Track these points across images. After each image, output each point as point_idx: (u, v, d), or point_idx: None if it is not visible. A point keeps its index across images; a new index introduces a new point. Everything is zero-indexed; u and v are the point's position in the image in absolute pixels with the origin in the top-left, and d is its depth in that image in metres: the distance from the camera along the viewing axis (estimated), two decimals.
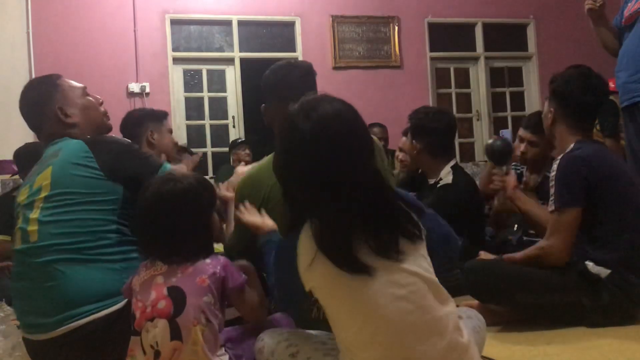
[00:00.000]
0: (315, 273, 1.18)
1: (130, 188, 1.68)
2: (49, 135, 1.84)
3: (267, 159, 1.86)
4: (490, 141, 2.91)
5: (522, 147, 2.83)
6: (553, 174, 2.04)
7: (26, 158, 3.19)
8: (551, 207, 2.03)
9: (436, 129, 2.76)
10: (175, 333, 1.36)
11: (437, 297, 1.19)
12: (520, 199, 2.52)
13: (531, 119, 2.88)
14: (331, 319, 1.22)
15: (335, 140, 1.17)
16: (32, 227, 1.64)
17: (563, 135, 2.15)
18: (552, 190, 2.03)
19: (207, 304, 1.39)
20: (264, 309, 1.58)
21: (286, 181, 1.24)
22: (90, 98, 1.93)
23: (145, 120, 2.55)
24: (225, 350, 1.43)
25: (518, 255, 2.09)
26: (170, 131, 2.65)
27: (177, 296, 1.39)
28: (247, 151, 5.34)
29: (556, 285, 1.98)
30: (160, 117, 2.62)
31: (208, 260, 1.45)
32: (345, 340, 1.20)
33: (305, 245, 1.18)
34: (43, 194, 1.66)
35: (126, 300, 1.56)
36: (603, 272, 1.95)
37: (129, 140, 1.82)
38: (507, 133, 5.07)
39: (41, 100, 1.86)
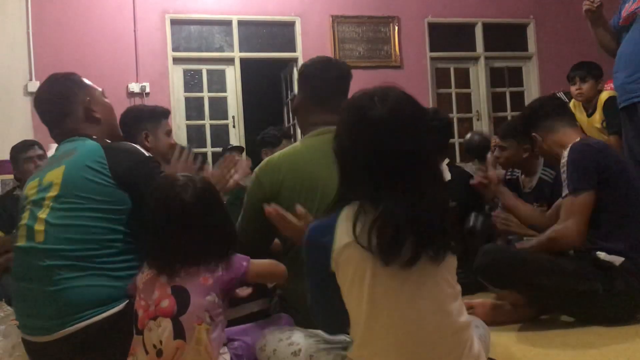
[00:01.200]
0: (346, 254, 1.16)
1: (139, 200, 1.64)
2: (70, 131, 1.82)
3: (287, 149, 1.89)
4: (467, 136, 3.06)
5: (496, 151, 3.04)
6: (564, 160, 2.06)
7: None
8: (565, 191, 2.05)
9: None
10: (179, 332, 1.35)
11: (459, 306, 1.21)
12: (504, 194, 2.54)
13: (501, 127, 3.28)
14: (349, 306, 1.21)
15: (409, 125, 1.18)
16: (40, 227, 1.62)
17: (562, 138, 2.19)
18: (564, 176, 2.05)
19: (210, 302, 1.39)
20: (280, 266, 1.58)
21: (346, 161, 1.22)
22: (108, 101, 1.94)
23: (141, 121, 2.48)
24: (227, 349, 1.44)
25: (530, 243, 2.12)
26: (169, 131, 2.57)
27: (181, 295, 1.38)
28: (238, 157, 5.30)
29: (572, 271, 1.99)
30: (158, 116, 2.54)
31: (212, 260, 1.45)
32: (358, 330, 1.19)
33: (347, 226, 1.16)
34: (53, 193, 1.64)
35: (126, 302, 1.56)
36: (617, 259, 1.96)
37: (146, 153, 1.77)
38: None
39: (68, 93, 1.87)
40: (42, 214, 1.63)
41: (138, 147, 1.79)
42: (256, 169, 1.87)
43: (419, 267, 1.14)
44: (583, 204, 2.01)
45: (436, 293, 1.17)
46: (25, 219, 1.68)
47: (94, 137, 1.80)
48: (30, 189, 1.73)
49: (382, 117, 1.17)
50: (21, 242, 1.66)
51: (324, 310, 1.30)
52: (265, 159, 1.91)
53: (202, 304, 1.38)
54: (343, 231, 1.16)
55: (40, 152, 3.59)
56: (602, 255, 1.97)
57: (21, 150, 3.59)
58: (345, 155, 1.22)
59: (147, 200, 1.52)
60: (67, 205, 1.62)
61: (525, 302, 2.09)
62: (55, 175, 1.68)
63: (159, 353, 1.36)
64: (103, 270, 1.58)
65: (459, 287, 1.23)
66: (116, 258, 1.61)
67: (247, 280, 1.49)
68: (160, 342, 1.36)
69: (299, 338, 1.38)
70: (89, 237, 1.59)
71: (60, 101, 1.87)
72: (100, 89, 1.94)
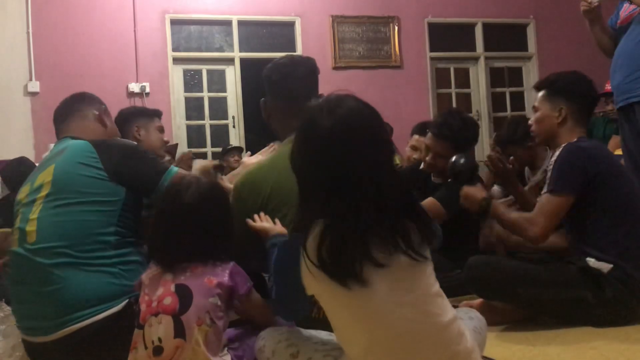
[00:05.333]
0: (316, 280, 1.14)
1: (134, 190, 1.68)
2: (71, 129, 1.86)
3: (270, 158, 1.83)
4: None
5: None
6: (553, 159, 2.08)
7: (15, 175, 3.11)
8: (544, 189, 2.07)
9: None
10: (179, 331, 1.36)
11: (441, 303, 1.18)
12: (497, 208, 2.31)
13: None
14: (333, 326, 1.21)
15: (356, 138, 1.15)
16: (31, 227, 1.62)
17: (569, 133, 2.16)
18: (548, 175, 2.07)
19: (212, 304, 1.39)
20: (270, 309, 1.57)
21: (301, 177, 1.21)
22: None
23: (132, 117, 2.51)
24: (227, 351, 1.44)
25: (506, 212, 2.13)
26: (161, 129, 2.58)
27: (184, 294, 1.39)
28: (237, 157, 5.31)
29: (558, 280, 1.99)
30: (150, 114, 2.58)
31: (217, 262, 1.45)
32: (346, 348, 1.19)
33: (312, 248, 1.13)
34: (44, 192, 1.65)
35: (125, 302, 1.56)
36: (605, 267, 1.95)
37: (135, 143, 1.81)
38: None
39: (87, 96, 1.97)
40: (33, 214, 1.64)
41: (127, 140, 1.83)
42: (236, 182, 1.79)
43: (390, 274, 1.12)
44: (556, 206, 2.01)
45: (413, 297, 1.15)
46: (17, 222, 1.69)
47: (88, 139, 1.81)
48: (22, 194, 1.74)
49: (328, 127, 1.14)
50: (14, 246, 1.67)
51: (289, 302, 1.30)
52: (246, 173, 1.83)
53: (204, 304, 1.38)
54: (308, 256, 1.13)
55: None
56: (591, 262, 1.97)
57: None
58: (295, 170, 1.22)
59: (148, 184, 1.57)
60: (58, 202, 1.62)
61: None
62: (45, 175, 1.68)
63: (158, 350, 1.36)
64: (97, 266, 1.58)
65: (437, 285, 1.20)
66: (110, 252, 1.61)
67: (240, 304, 1.49)
68: (160, 339, 1.36)
69: (297, 340, 1.38)
70: (80, 232, 1.60)
71: (77, 98, 1.94)
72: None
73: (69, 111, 1.91)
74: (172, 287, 1.40)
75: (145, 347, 1.38)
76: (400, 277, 1.14)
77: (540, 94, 2.27)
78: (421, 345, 1.14)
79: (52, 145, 3.97)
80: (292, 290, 1.23)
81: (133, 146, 1.81)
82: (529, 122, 2.34)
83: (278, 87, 1.81)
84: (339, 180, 1.13)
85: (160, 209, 1.53)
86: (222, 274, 1.43)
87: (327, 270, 1.11)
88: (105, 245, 1.61)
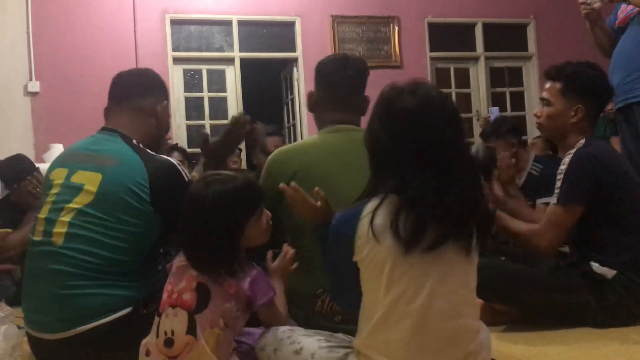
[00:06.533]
0: (368, 245, 1.17)
1: (173, 224, 1.52)
2: (122, 114, 1.77)
3: (304, 141, 1.89)
4: (472, 150, 2.57)
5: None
6: (564, 167, 2.01)
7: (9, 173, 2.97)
8: (554, 199, 2.03)
9: None
10: (192, 328, 1.36)
11: (472, 307, 1.23)
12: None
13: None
14: (366, 292, 1.22)
15: (440, 117, 1.20)
16: (60, 229, 1.57)
17: (580, 133, 2.09)
18: (558, 184, 2.02)
19: (228, 310, 1.39)
20: (287, 319, 1.56)
21: (380, 152, 1.24)
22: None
23: None
24: (235, 354, 1.44)
25: (512, 224, 2.10)
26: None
27: (203, 293, 1.38)
28: (235, 158, 5.29)
29: (561, 284, 1.98)
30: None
31: (243, 267, 1.43)
32: (372, 317, 1.20)
33: (370, 217, 1.17)
34: (83, 200, 1.58)
35: (134, 305, 1.56)
36: (609, 272, 1.94)
37: (188, 175, 1.71)
38: (495, 111, 5.05)
39: (158, 83, 1.86)
40: (66, 216, 1.58)
41: (179, 167, 1.70)
42: (268, 158, 1.86)
43: (442, 261, 1.17)
44: (566, 217, 1.99)
45: (454, 293, 1.18)
46: (45, 212, 1.63)
47: (134, 140, 1.72)
48: (56, 176, 1.67)
49: (410, 108, 1.20)
50: (37, 237, 1.62)
51: (345, 289, 1.32)
52: (278, 149, 1.90)
53: (219, 308, 1.38)
54: (366, 222, 1.18)
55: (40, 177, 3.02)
56: (595, 266, 1.96)
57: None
58: (375, 147, 1.25)
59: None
60: (95, 219, 1.56)
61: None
62: (89, 179, 1.61)
63: (169, 342, 1.36)
64: (112, 280, 1.56)
65: (474, 284, 1.24)
66: (133, 276, 1.59)
67: (259, 314, 1.47)
68: (172, 331, 1.37)
69: (300, 337, 1.38)
70: (110, 255, 1.56)
71: (144, 83, 1.85)
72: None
73: (129, 95, 1.80)
74: (194, 284, 1.40)
75: (157, 336, 1.39)
76: (447, 268, 1.18)
77: (554, 85, 2.10)
78: (445, 340, 1.17)
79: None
80: (344, 280, 1.27)
81: (185, 183, 1.67)
82: (536, 113, 2.19)
83: (327, 80, 1.89)
84: (423, 156, 1.17)
85: (185, 210, 1.46)
86: (243, 282, 1.41)
87: (398, 237, 1.14)
88: (130, 270, 1.58)
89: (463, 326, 1.20)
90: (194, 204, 1.43)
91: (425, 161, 1.17)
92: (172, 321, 1.38)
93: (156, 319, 1.42)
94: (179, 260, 1.47)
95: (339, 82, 1.87)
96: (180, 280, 1.42)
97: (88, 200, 1.58)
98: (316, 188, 1.47)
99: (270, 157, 1.86)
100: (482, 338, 1.28)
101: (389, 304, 1.17)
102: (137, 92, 1.81)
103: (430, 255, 1.16)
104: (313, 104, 1.94)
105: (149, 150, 1.71)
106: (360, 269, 1.22)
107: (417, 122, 1.19)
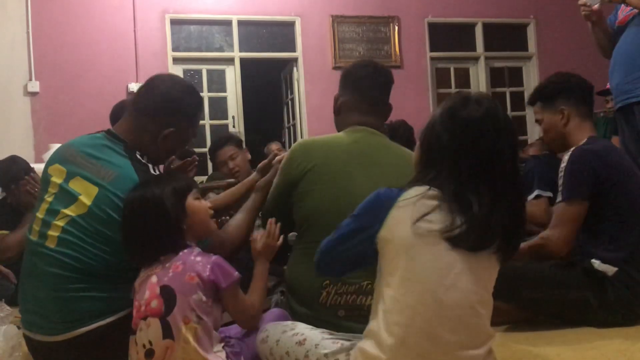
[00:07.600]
0: (401, 226, 1.19)
1: None
2: (138, 125, 1.72)
3: (327, 137, 1.89)
4: None
5: None
6: (564, 165, 2.05)
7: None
8: (559, 197, 2.04)
9: None
10: (167, 332, 1.37)
11: (489, 311, 1.28)
12: None
13: None
14: (384, 275, 1.23)
15: (503, 129, 1.24)
16: (53, 233, 1.58)
17: (578, 131, 2.13)
18: (560, 182, 2.04)
19: (197, 301, 1.39)
20: (259, 313, 1.55)
21: (434, 153, 1.28)
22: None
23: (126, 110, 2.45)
24: (222, 348, 1.44)
25: (521, 245, 2.11)
26: None
27: (167, 295, 1.39)
28: (232, 160, 5.23)
29: (562, 282, 1.98)
30: None
31: (199, 258, 1.44)
32: (387, 300, 1.20)
33: (410, 201, 1.21)
34: (77, 210, 1.58)
35: (129, 308, 1.55)
36: (609, 269, 1.94)
37: None
38: None
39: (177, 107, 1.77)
40: (60, 221, 1.58)
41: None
42: (294, 145, 1.90)
43: (471, 259, 1.20)
44: (574, 213, 2.00)
45: (475, 293, 1.22)
46: (42, 212, 1.63)
47: (138, 153, 1.69)
48: (54, 173, 1.66)
49: (478, 117, 1.24)
50: (34, 237, 1.62)
51: (337, 259, 1.33)
52: (304, 139, 1.98)
53: (188, 302, 1.38)
54: (409, 203, 1.21)
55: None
56: (596, 264, 1.96)
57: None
58: (434, 143, 1.28)
59: None
60: (87, 232, 1.57)
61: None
62: (85, 190, 1.60)
63: (149, 353, 1.37)
64: (106, 284, 1.57)
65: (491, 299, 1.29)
66: (127, 284, 1.57)
67: (223, 300, 1.47)
68: (150, 342, 1.37)
69: (303, 329, 1.39)
70: (100, 266, 1.56)
71: (164, 100, 1.76)
72: None
73: (143, 108, 1.75)
74: (157, 290, 1.41)
75: (137, 352, 1.40)
76: (479, 265, 1.23)
77: (536, 107, 2.28)
78: (458, 333, 1.20)
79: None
80: (347, 250, 1.29)
81: None
82: (540, 136, 2.36)
83: (358, 84, 1.92)
84: (485, 165, 1.22)
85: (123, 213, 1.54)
86: (204, 269, 1.42)
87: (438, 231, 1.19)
88: (123, 279, 1.57)
89: (477, 326, 1.23)
90: (125, 209, 1.53)
91: (481, 171, 1.21)
92: (147, 332, 1.38)
93: (132, 338, 1.43)
94: (139, 279, 1.48)
95: (370, 86, 1.90)
96: (143, 293, 1.43)
97: (82, 211, 1.58)
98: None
99: (295, 144, 1.89)
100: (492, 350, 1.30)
101: (407, 287, 1.18)
102: (151, 109, 1.74)
103: (461, 251, 1.19)
104: (339, 107, 1.96)
105: (150, 166, 1.70)
106: (381, 247, 1.23)
107: (481, 133, 1.23)
